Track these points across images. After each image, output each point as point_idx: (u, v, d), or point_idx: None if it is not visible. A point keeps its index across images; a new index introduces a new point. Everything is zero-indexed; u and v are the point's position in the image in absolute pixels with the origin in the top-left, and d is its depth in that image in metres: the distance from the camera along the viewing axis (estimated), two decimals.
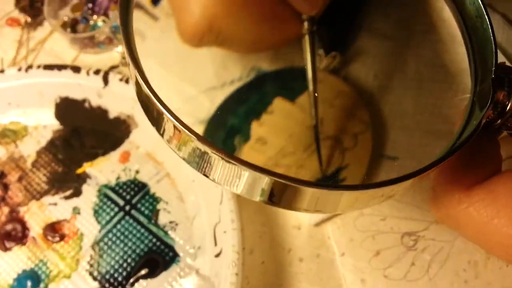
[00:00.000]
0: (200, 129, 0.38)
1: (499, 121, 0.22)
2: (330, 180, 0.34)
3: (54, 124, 0.40)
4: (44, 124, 0.41)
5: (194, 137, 0.20)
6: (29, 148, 0.40)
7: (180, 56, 0.41)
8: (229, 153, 0.20)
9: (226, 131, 0.37)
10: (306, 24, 0.33)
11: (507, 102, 0.22)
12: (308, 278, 0.34)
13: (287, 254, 0.35)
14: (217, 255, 0.32)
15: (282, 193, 0.21)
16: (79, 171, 0.38)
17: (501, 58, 0.37)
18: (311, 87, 0.34)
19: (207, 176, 0.22)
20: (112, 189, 0.37)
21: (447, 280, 0.33)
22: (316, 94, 0.34)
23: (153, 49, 0.41)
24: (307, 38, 0.33)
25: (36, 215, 0.37)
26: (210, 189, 0.34)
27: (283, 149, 0.36)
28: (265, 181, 0.20)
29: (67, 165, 0.39)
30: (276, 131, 0.37)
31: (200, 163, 0.22)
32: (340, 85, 0.39)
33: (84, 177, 0.38)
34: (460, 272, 0.33)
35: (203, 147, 0.21)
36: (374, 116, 0.38)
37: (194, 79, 0.40)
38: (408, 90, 0.39)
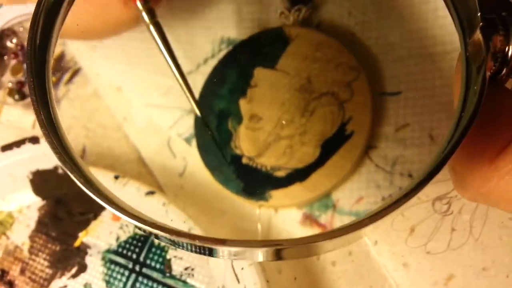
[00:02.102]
0: (190, 121, 0.35)
1: (504, 71, 0.18)
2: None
3: (36, 201, 0.37)
4: (26, 204, 0.38)
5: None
6: (20, 235, 0.37)
7: (143, 49, 0.37)
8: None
9: (216, 116, 0.33)
10: (145, 16, 0.29)
11: (507, 48, 0.17)
12: (347, 280, 0.30)
13: (317, 262, 0.31)
14: None
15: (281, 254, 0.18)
16: (77, 243, 0.35)
17: None
18: (180, 79, 0.30)
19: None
20: (116, 252, 0.34)
21: (494, 235, 0.29)
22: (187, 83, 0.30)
23: (113, 52, 0.37)
24: (153, 29, 0.30)
25: None
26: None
27: (280, 120, 0.33)
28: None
29: (63, 241, 0.36)
30: (267, 103, 0.33)
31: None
32: (316, 36, 0.34)
33: (83, 249, 0.35)
34: (506, 222, 0.29)
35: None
36: (363, 57, 0.34)
37: (167, 69, 0.36)
38: (388, 20, 0.34)
